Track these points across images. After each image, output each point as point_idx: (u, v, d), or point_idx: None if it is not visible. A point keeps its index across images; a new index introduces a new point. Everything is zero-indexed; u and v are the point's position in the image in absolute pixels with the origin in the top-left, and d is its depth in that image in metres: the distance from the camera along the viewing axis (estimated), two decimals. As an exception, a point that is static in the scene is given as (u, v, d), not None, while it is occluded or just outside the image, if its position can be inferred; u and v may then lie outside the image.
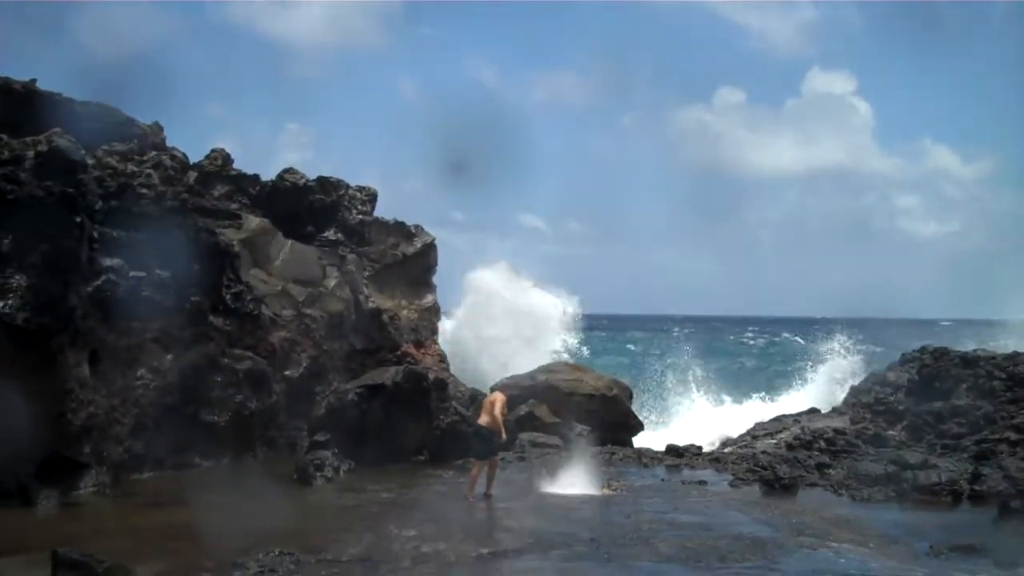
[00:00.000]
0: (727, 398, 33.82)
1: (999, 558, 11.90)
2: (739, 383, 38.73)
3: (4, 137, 15.68)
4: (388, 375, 19.67)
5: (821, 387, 32.38)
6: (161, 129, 23.15)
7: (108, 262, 16.43)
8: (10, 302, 14.29)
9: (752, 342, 78.22)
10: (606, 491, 16.76)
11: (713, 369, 37.77)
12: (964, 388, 23.11)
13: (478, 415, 16.72)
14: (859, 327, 36.91)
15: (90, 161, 16.91)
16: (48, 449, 14.89)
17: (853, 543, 12.79)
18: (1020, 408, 21.55)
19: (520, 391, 23.05)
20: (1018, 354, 23.88)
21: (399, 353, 24.64)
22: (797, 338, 66.12)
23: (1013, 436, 20.22)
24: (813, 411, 26.47)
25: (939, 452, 20.15)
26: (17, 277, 14.49)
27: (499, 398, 16.51)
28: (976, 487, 16.61)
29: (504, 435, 16.39)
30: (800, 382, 35.06)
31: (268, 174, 25.45)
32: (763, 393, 34.73)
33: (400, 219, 27.39)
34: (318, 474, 17.31)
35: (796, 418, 25.58)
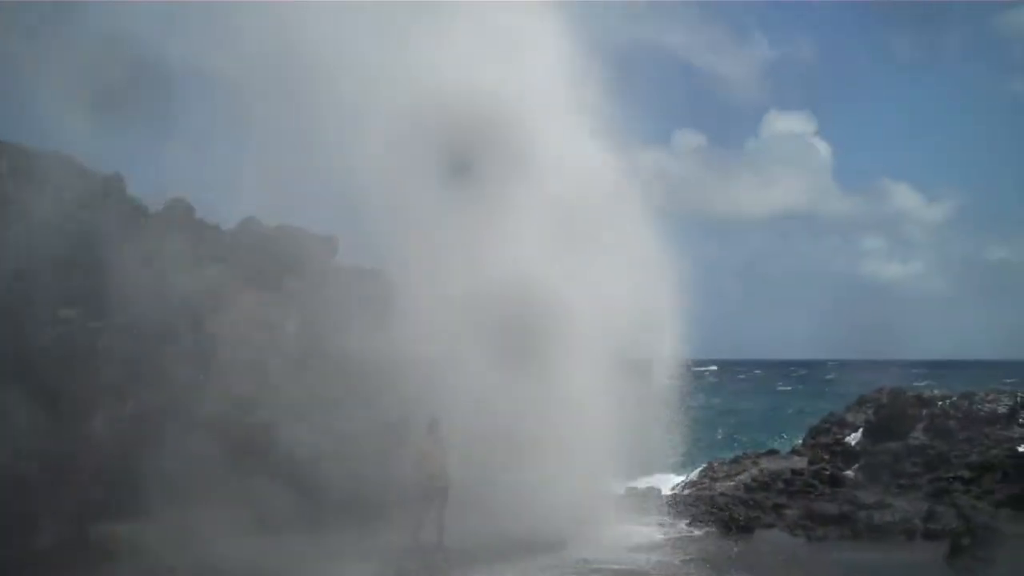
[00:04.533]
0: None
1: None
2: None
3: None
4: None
5: None
6: (121, 179, 23.21)
7: (65, 312, 16.45)
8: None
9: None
10: None
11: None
12: (920, 427, 23.53)
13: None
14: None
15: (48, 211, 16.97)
16: (4, 502, 14.73)
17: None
18: (973, 447, 21.97)
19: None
20: (971, 393, 24.37)
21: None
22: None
23: (967, 474, 20.54)
24: (772, 452, 26.74)
25: (895, 491, 20.45)
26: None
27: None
28: (930, 525, 16.89)
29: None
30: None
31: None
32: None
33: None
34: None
35: (755, 459, 25.81)
